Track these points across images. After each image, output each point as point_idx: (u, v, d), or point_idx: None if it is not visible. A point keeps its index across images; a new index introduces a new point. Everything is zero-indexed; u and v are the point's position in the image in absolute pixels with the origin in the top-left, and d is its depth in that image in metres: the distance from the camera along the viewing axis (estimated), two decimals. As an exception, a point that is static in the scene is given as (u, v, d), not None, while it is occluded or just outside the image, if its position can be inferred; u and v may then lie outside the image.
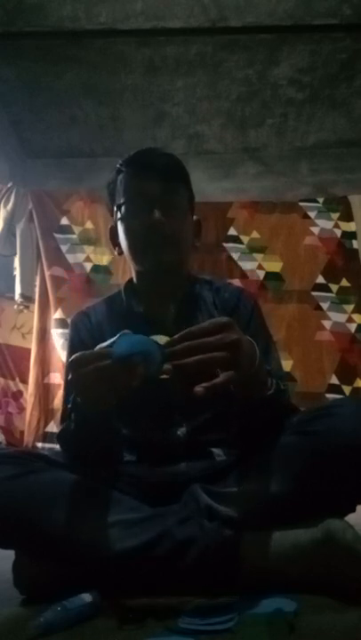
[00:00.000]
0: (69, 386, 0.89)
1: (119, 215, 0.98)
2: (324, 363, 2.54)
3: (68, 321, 1.95)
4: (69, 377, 0.71)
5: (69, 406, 0.86)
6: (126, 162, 0.99)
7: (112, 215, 1.03)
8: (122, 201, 0.97)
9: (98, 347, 0.71)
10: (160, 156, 0.99)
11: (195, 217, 1.04)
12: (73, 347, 1.04)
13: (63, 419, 1.01)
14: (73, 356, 0.71)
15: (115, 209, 1.00)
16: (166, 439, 0.94)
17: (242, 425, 0.88)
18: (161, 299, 1.00)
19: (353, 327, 2.61)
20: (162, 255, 0.95)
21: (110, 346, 0.68)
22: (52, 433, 2.43)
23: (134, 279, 1.05)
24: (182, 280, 1.03)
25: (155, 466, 0.92)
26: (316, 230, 2.74)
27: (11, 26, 2.58)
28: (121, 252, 1.02)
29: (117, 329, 1.00)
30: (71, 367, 0.71)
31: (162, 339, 0.67)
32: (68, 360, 1.05)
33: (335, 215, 2.78)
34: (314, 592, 0.68)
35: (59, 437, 0.92)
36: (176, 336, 0.66)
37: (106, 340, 0.99)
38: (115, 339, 0.68)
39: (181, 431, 0.94)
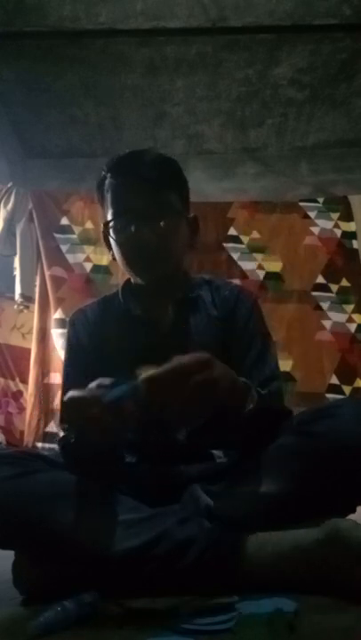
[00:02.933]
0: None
1: (109, 231, 0.96)
2: (324, 363, 2.54)
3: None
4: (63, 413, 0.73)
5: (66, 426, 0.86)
6: (111, 170, 0.96)
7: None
8: (109, 218, 0.95)
9: (96, 383, 0.73)
10: (145, 162, 0.94)
11: (191, 215, 1.02)
12: (71, 345, 1.04)
13: (62, 419, 1.02)
14: (67, 397, 0.72)
15: (103, 226, 0.98)
16: (166, 443, 0.93)
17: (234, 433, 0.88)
18: (158, 301, 0.99)
19: (353, 327, 2.61)
20: (154, 271, 0.94)
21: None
22: (52, 433, 2.43)
23: (132, 280, 1.05)
24: (179, 282, 1.02)
25: (155, 467, 0.92)
26: (316, 230, 2.74)
27: (11, 26, 2.58)
28: (114, 258, 1.00)
29: (115, 331, 1.00)
30: (64, 409, 0.72)
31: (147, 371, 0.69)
32: (65, 359, 1.05)
33: (335, 215, 2.78)
34: (314, 592, 0.68)
35: (59, 446, 0.91)
36: (158, 371, 0.68)
37: (103, 340, 1.00)
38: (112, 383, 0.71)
39: (181, 434, 0.94)
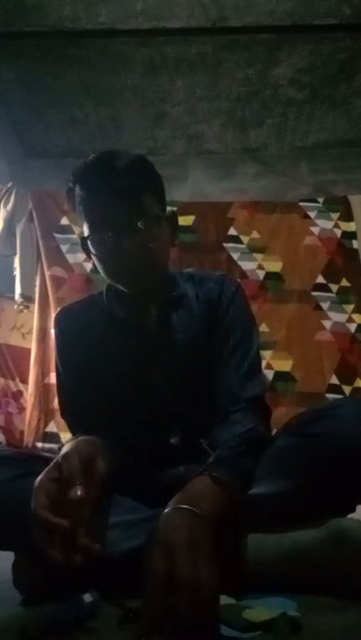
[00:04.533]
0: None
1: (87, 246, 0.91)
2: (324, 363, 2.54)
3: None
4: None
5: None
6: (80, 182, 0.88)
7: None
8: (86, 233, 0.90)
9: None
10: (116, 170, 0.86)
11: (168, 211, 0.97)
12: (59, 344, 1.03)
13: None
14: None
15: (81, 241, 0.93)
16: (161, 447, 0.93)
17: None
18: (142, 304, 0.98)
19: (353, 327, 2.61)
20: (139, 283, 0.91)
21: None
22: (52, 433, 2.43)
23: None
24: (162, 283, 0.99)
25: (152, 470, 0.92)
26: (316, 230, 2.74)
27: (11, 26, 2.58)
28: (96, 267, 0.95)
29: (101, 333, 0.99)
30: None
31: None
32: (57, 359, 1.03)
33: (335, 215, 2.78)
34: (314, 592, 0.68)
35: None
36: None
37: (90, 342, 0.98)
38: None
39: (175, 439, 0.93)
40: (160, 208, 0.93)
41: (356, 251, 2.72)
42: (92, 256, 0.92)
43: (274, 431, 0.92)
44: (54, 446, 2.35)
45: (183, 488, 0.69)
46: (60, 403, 1.03)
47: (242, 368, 0.90)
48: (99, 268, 0.93)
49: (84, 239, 0.91)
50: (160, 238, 0.92)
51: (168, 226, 0.96)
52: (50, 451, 2.28)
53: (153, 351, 0.96)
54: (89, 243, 0.90)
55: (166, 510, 0.64)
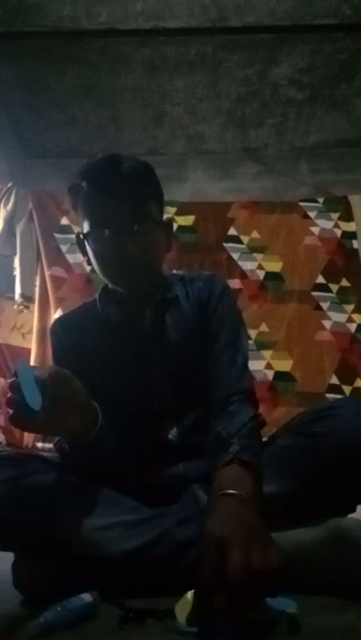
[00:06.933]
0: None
1: (86, 243, 0.94)
2: (324, 363, 2.54)
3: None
4: None
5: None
6: (87, 179, 0.90)
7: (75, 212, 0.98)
8: (87, 230, 0.92)
9: None
10: (124, 172, 0.90)
11: (165, 218, 1.01)
12: (55, 353, 1.05)
13: None
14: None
15: (81, 236, 0.95)
16: (159, 443, 0.93)
17: None
18: (137, 306, 0.99)
19: (353, 327, 2.61)
20: (137, 283, 0.94)
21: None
22: (51, 433, 2.43)
23: (110, 286, 1.02)
24: (156, 285, 1.01)
25: (152, 468, 0.92)
26: (316, 230, 2.74)
27: (11, 26, 2.57)
28: (90, 264, 0.98)
29: (97, 339, 1.00)
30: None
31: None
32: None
33: (335, 215, 2.78)
34: (314, 592, 0.68)
35: (56, 449, 0.91)
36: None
37: (87, 348, 1.00)
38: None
39: (173, 434, 0.93)
40: (159, 214, 0.97)
41: (357, 251, 2.72)
42: (90, 253, 0.95)
43: (273, 430, 0.93)
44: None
45: (216, 477, 0.71)
46: None
47: (235, 362, 0.92)
48: (95, 265, 0.95)
49: (81, 237, 0.94)
50: (159, 242, 0.96)
51: (164, 232, 0.99)
52: (50, 451, 2.28)
53: (149, 352, 0.96)
54: (87, 240, 0.93)
55: (210, 499, 0.66)
